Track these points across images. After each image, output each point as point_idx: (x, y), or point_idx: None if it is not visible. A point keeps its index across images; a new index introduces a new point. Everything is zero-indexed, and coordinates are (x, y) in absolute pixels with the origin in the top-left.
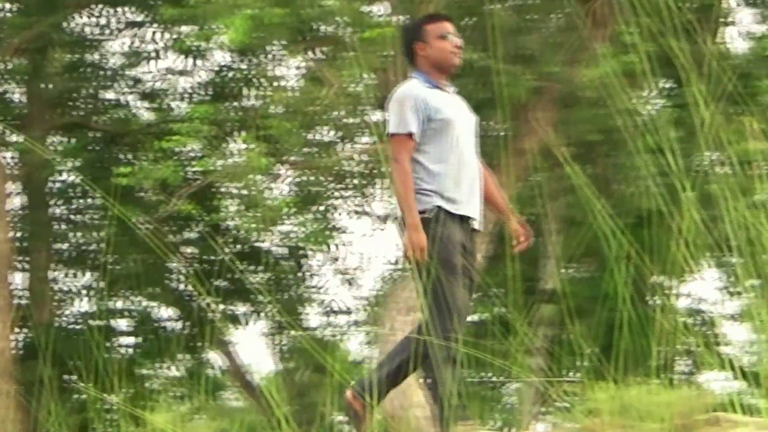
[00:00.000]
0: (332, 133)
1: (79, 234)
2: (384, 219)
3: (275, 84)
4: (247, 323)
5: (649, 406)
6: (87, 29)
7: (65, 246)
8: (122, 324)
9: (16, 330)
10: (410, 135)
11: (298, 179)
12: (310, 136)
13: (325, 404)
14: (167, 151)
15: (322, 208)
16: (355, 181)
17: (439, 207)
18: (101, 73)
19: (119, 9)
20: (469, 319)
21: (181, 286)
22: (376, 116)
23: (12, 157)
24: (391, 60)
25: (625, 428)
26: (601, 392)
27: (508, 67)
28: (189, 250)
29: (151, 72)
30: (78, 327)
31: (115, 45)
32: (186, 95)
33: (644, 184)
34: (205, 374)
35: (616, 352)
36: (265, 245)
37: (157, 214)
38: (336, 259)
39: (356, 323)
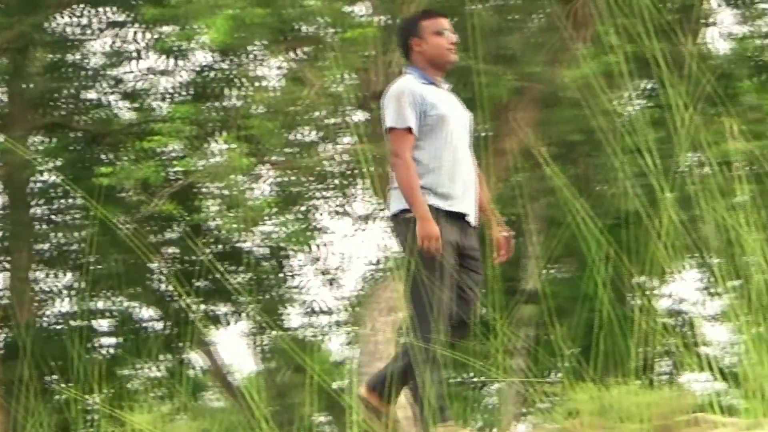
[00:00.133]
0: (313, 133)
1: (60, 234)
2: (365, 219)
3: (256, 84)
4: (228, 323)
5: (629, 407)
6: (68, 29)
7: (46, 246)
8: (103, 324)
9: None
10: (410, 129)
11: (279, 179)
12: (291, 137)
13: (305, 405)
14: (148, 151)
15: (303, 208)
16: (337, 182)
17: (431, 206)
18: (82, 73)
19: (100, 9)
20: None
21: (163, 287)
22: (357, 116)
23: None
24: (372, 60)
25: (606, 429)
26: (581, 393)
27: (489, 67)
28: (170, 250)
29: (132, 72)
30: (59, 327)
31: (96, 45)
32: (167, 95)
33: (624, 185)
34: (186, 374)
35: (596, 352)
36: (246, 245)
37: (138, 214)
38: (317, 260)
39: (337, 324)
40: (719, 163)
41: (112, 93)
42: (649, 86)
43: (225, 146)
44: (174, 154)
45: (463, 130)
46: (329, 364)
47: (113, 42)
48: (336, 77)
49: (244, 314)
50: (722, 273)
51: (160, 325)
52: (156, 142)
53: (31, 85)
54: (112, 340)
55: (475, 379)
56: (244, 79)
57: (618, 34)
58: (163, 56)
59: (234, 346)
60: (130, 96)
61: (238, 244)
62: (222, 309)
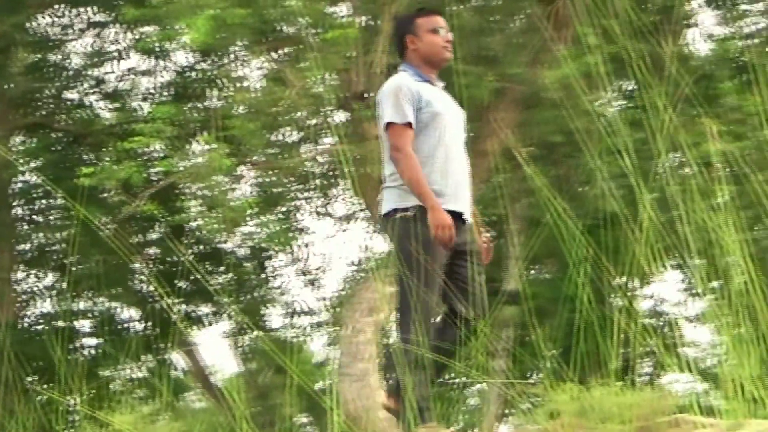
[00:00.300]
0: (295, 133)
1: (41, 234)
2: (346, 220)
3: (238, 85)
4: (209, 324)
5: (610, 407)
6: (49, 29)
7: (28, 246)
8: (85, 325)
9: None
10: (409, 124)
11: (260, 180)
12: (272, 137)
13: (287, 405)
14: (130, 151)
15: (284, 208)
16: (318, 182)
17: (420, 206)
18: (64, 73)
19: (82, 9)
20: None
21: (144, 287)
22: (338, 117)
23: None
24: (353, 61)
25: (587, 430)
26: (562, 394)
27: (470, 68)
28: (152, 250)
29: (113, 72)
30: (40, 328)
31: (77, 45)
32: (149, 95)
33: (604, 186)
34: (167, 375)
35: (577, 353)
36: (228, 246)
37: (120, 214)
38: (299, 260)
39: (319, 324)
40: (699, 164)
41: (94, 93)
42: (629, 87)
43: (206, 147)
44: (156, 155)
45: (457, 129)
46: (311, 365)
47: (94, 42)
48: (317, 78)
49: (225, 315)
50: (703, 274)
51: (141, 325)
52: (137, 143)
53: (12, 85)
54: (94, 341)
55: (456, 380)
56: (225, 80)
57: (598, 35)
58: (145, 57)
59: (216, 347)
60: (112, 96)
61: (219, 245)
62: (203, 310)
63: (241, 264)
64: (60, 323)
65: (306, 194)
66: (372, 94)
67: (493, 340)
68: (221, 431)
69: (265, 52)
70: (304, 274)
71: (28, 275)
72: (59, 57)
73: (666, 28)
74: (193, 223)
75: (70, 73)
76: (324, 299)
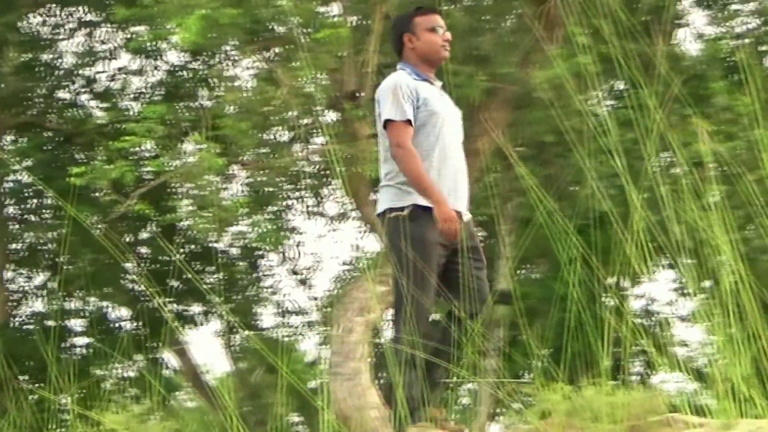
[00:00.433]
0: (286, 133)
1: (33, 234)
2: (338, 219)
3: (229, 84)
4: (201, 323)
5: (601, 407)
6: (41, 29)
7: (19, 246)
8: (76, 324)
9: None
10: (409, 122)
11: (251, 179)
12: (263, 137)
13: (278, 405)
14: (121, 151)
15: (275, 208)
16: (309, 182)
17: (415, 205)
18: (55, 72)
19: (73, 9)
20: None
21: (135, 286)
22: (329, 117)
23: None
24: (344, 60)
25: (578, 430)
26: (554, 393)
27: (461, 67)
28: (143, 250)
29: (105, 72)
30: (32, 327)
31: (69, 45)
32: (140, 95)
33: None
34: (159, 374)
35: (568, 353)
36: (219, 245)
37: (111, 214)
38: (290, 260)
39: (310, 324)
40: (690, 163)
41: (85, 93)
42: (620, 87)
43: (197, 146)
44: (147, 154)
45: (455, 127)
46: (302, 365)
47: (86, 42)
48: (308, 77)
49: (216, 314)
50: (694, 274)
51: (132, 324)
52: (128, 142)
53: (3, 85)
54: (85, 340)
55: (448, 380)
56: (216, 79)
57: (589, 35)
58: (136, 56)
59: (207, 346)
60: (103, 96)
61: (210, 244)
62: (195, 309)
63: (232, 263)
64: (51, 322)
65: (297, 194)
66: (363, 94)
67: (484, 339)
68: (212, 430)
69: (256, 52)
70: (295, 273)
71: (20, 274)
72: (50, 56)
73: (657, 28)
74: (185, 223)
75: (62, 72)
76: (315, 299)
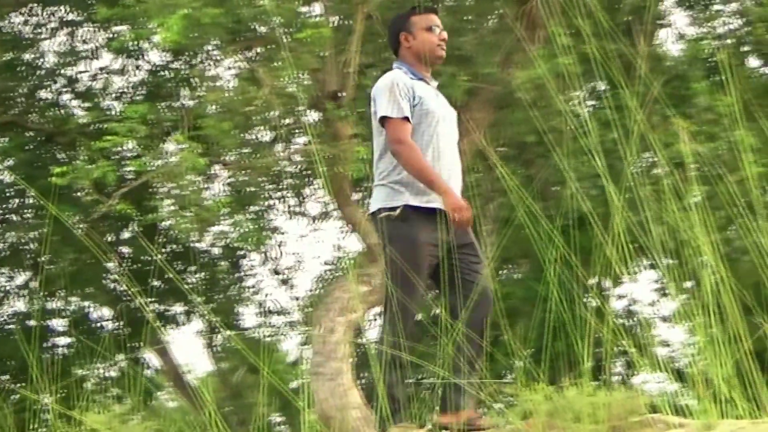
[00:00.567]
0: (267, 133)
1: (14, 233)
2: (319, 219)
3: (210, 84)
4: (182, 323)
5: (583, 407)
6: (22, 28)
7: (0, 245)
8: (57, 324)
9: None
10: (406, 119)
11: (233, 179)
12: (245, 137)
13: (260, 405)
14: (103, 150)
15: (257, 208)
16: (291, 182)
17: (406, 205)
18: (37, 72)
19: (55, 8)
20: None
21: (117, 286)
22: (311, 117)
23: None
24: (326, 60)
25: (560, 430)
26: (535, 394)
27: (443, 67)
28: (125, 249)
29: (86, 71)
30: (13, 327)
31: (50, 44)
32: (122, 94)
33: (575, 186)
34: (140, 374)
35: (549, 353)
36: (201, 245)
37: (93, 213)
38: (272, 260)
39: (292, 324)
40: (671, 164)
41: (67, 92)
42: (601, 87)
43: (179, 146)
44: (129, 154)
45: (450, 128)
46: (284, 365)
47: (67, 41)
48: (290, 77)
49: (198, 314)
50: (675, 274)
51: (114, 324)
52: (110, 142)
53: None
54: (67, 340)
55: (430, 380)
56: (198, 79)
57: (570, 35)
58: (118, 56)
59: (189, 346)
60: (85, 95)
61: (192, 244)
62: (176, 309)
63: (214, 263)
64: (33, 322)
65: (279, 194)
66: (344, 94)
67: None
68: (194, 430)
69: (238, 52)
70: (277, 273)
71: (1, 274)
72: (32, 56)
73: (638, 29)
74: (166, 223)
75: (43, 72)
76: (297, 298)
